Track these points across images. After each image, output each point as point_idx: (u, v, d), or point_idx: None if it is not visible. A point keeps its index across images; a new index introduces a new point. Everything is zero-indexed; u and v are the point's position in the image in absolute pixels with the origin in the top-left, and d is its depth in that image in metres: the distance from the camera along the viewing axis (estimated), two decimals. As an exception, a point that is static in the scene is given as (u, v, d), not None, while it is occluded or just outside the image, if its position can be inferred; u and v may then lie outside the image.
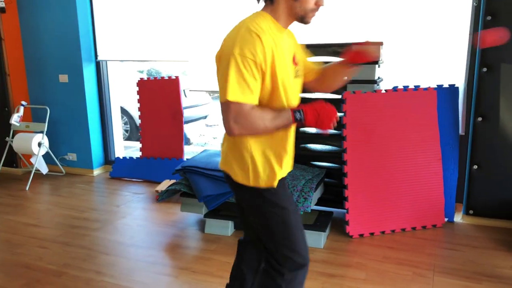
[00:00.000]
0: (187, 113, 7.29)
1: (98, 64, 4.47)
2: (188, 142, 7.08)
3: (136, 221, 3.35)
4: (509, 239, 2.87)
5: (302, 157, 3.30)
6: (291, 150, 1.58)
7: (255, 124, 1.37)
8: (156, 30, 4.11)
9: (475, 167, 3.09)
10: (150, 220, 3.36)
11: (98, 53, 4.44)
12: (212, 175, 2.91)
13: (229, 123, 1.36)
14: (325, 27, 3.36)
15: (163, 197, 3.20)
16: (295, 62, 1.52)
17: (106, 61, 4.48)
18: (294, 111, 1.41)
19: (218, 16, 3.78)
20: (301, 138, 3.34)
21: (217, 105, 8.81)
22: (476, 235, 2.98)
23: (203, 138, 7.20)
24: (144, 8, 4.11)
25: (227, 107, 1.36)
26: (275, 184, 1.52)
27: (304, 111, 1.40)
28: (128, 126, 6.74)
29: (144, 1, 4.10)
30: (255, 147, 1.49)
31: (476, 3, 3.03)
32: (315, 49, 3.17)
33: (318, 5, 1.42)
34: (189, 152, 5.68)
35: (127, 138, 6.68)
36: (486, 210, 3.12)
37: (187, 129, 7.75)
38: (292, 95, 1.49)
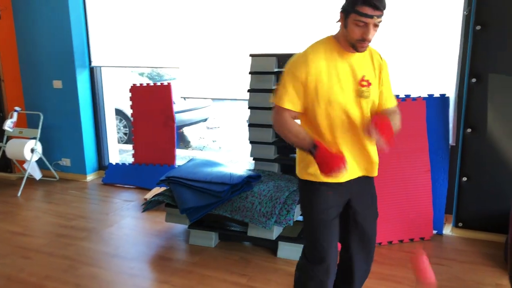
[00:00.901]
0: (186, 116, 7.30)
1: (92, 70, 4.48)
2: (187, 145, 7.08)
3: (123, 230, 3.34)
4: (497, 253, 2.80)
5: (291, 167, 3.26)
6: (350, 156, 1.72)
7: (281, 127, 1.70)
8: (149, 36, 4.10)
9: (465, 178, 3.02)
10: (137, 230, 3.35)
11: (92, 59, 4.44)
12: (196, 187, 2.89)
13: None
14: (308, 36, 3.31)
15: (147, 208, 3.19)
16: (361, 83, 1.68)
17: (100, 67, 4.48)
18: (313, 143, 1.60)
19: (211, 23, 3.75)
20: (291, 148, 3.30)
21: (217, 108, 8.81)
22: (464, 248, 2.92)
23: (203, 141, 7.19)
24: (138, 15, 4.10)
25: (273, 107, 1.73)
26: (319, 179, 1.71)
27: (317, 151, 1.59)
28: (127, 129, 6.76)
29: (137, 8, 4.09)
30: None
31: (466, 12, 2.96)
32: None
33: (363, 38, 1.56)
34: (186, 157, 5.67)
35: (126, 141, 6.70)
36: (476, 222, 3.05)
37: (187, 132, 7.76)
38: (339, 110, 1.66)
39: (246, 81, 3.26)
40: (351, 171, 1.74)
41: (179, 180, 2.98)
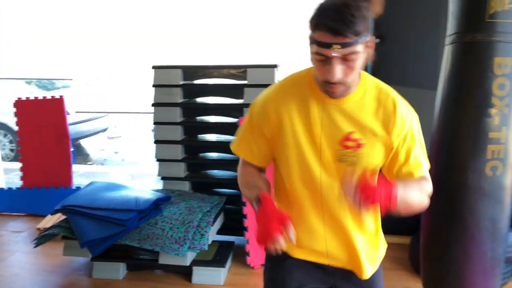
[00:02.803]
0: (84, 127, 6.71)
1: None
2: (86, 159, 6.49)
3: (12, 269, 2.88)
4: (403, 256, 2.91)
5: (202, 184, 3.10)
6: (331, 234, 1.25)
7: (238, 177, 1.33)
8: (40, 45, 3.63)
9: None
10: (29, 267, 2.91)
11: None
12: (97, 215, 2.57)
13: None
14: (222, 49, 3.20)
15: (40, 242, 2.78)
16: (344, 144, 1.15)
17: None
18: (257, 197, 1.15)
19: (104, 35, 3.43)
20: (201, 165, 3.14)
21: (117, 116, 8.22)
22: (375, 254, 3.01)
23: (104, 153, 6.66)
24: (28, 24, 3.60)
25: None
26: (289, 250, 1.29)
27: (258, 208, 1.14)
28: (13, 144, 6.00)
29: (26, 17, 3.59)
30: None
31: (366, 24, 3.06)
32: (209, 70, 3.00)
33: (326, 79, 1.08)
34: (85, 174, 5.18)
35: (13, 159, 5.93)
36: (383, 226, 3.17)
37: (85, 144, 7.14)
38: (308, 177, 1.19)
39: (149, 94, 3.02)
40: (333, 254, 1.27)
41: (77, 209, 2.63)
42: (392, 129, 1.15)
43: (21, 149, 3.85)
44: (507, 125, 1.78)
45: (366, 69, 1.36)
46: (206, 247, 2.51)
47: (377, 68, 2.93)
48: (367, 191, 1.01)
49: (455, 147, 1.84)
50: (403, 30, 2.89)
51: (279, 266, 1.32)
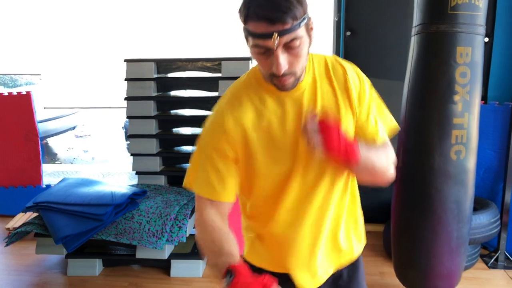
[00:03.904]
0: (51, 125, 6.53)
1: None
2: (53, 159, 6.32)
3: (-19, 270, 2.79)
4: (377, 243, 3.03)
5: (178, 178, 3.11)
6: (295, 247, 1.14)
7: (200, 237, 1.08)
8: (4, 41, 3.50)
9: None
10: (0, 268, 2.83)
11: None
12: (72, 211, 2.54)
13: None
14: (195, 42, 3.20)
15: (12, 241, 2.71)
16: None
17: None
18: (228, 269, 0.94)
19: (74, 28, 3.36)
20: (177, 158, 3.14)
21: (86, 114, 8.04)
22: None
23: (72, 152, 6.51)
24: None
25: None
26: (250, 260, 1.20)
27: (231, 281, 0.91)
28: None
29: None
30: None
31: (337, 18, 3.14)
32: (183, 63, 3.00)
33: (272, 73, 0.97)
34: (55, 172, 5.05)
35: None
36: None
37: (53, 143, 6.95)
38: (282, 180, 1.08)
39: (121, 88, 3.00)
40: (312, 276, 1.17)
41: (51, 205, 2.59)
42: (350, 95, 1.07)
43: (-14, 147, 3.72)
44: (469, 111, 1.90)
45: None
46: (184, 239, 2.53)
47: (349, 61, 3.04)
48: (327, 132, 0.94)
49: (422, 132, 1.94)
50: (373, 23, 2.99)
51: None
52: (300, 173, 1.08)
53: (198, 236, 1.09)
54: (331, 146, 0.94)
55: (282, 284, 0.97)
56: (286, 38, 0.91)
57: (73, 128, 6.96)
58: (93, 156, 6.33)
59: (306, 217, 1.11)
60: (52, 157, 6.40)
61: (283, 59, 0.93)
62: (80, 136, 7.38)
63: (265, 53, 0.94)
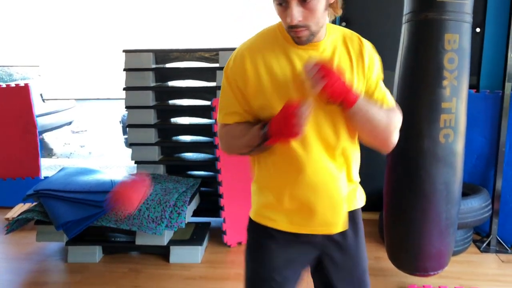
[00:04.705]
0: (47, 121, 6.54)
1: None
2: (50, 153, 6.35)
3: (-19, 259, 2.84)
4: (373, 230, 3.09)
5: (177, 167, 3.17)
6: (311, 201, 1.22)
7: (227, 142, 1.26)
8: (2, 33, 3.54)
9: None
10: (0, 256, 2.88)
11: None
12: (72, 198, 2.59)
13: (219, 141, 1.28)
14: (194, 33, 3.25)
15: (12, 228, 2.76)
16: None
17: None
18: (263, 124, 1.12)
19: (72, 20, 3.40)
20: (175, 148, 3.20)
21: (82, 109, 8.03)
22: (343, 228, 3.18)
23: (68, 148, 6.54)
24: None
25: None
26: (264, 222, 1.29)
27: (270, 122, 1.10)
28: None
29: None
30: (258, 171, 1.33)
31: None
32: (181, 53, 3.06)
33: (288, 24, 1.08)
34: (52, 166, 5.09)
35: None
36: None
37: (49, 138, 6.97)
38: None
39: (119, 79, 3.05)
40: (305, 221, 1.25)
41: (51, 192, 2.64)
42: (364, 63, 1.17)
43: (-16, 140, 3.76)
44: (457, 96, 1.97)
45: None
46: (183, 225, 2.59)
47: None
48: (326, 71, 1.03)
49: (412, 116, 2.00)
50: (368, 14, 3.06)
51: (260, 245, 1.30)
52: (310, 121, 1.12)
53: (226, 146, 1.26)
54: (329, 83, 1.03)
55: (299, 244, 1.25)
56: None
57: (69, 123, 6.98)
58: (90, 151, 6.36)
59: (322, 156, 1.22)
60: (48, 152, 6.43)
61: (296, 11, 1.04)
62: (76, 132, 7.41)
63: (283, 5, 1.06)
